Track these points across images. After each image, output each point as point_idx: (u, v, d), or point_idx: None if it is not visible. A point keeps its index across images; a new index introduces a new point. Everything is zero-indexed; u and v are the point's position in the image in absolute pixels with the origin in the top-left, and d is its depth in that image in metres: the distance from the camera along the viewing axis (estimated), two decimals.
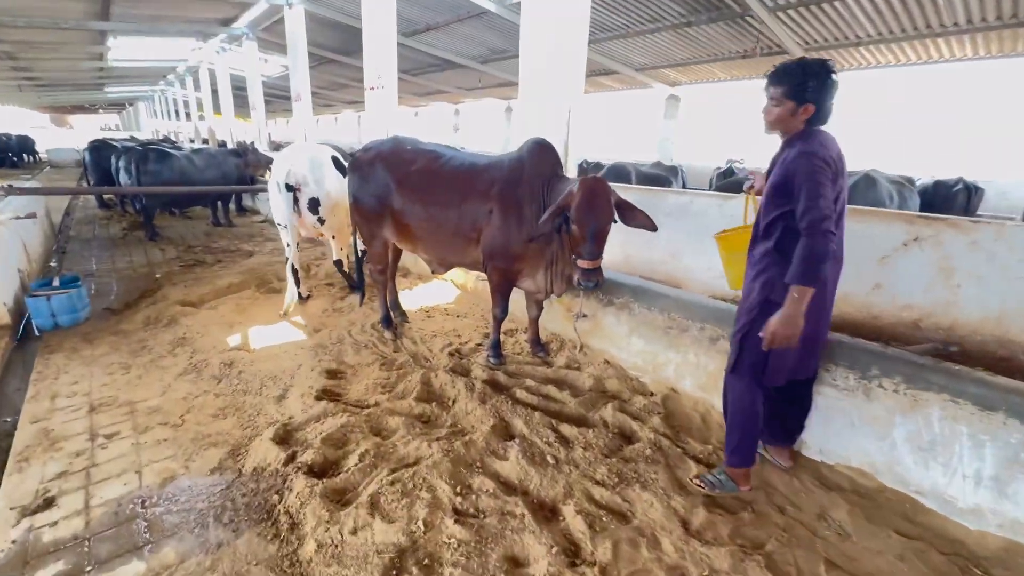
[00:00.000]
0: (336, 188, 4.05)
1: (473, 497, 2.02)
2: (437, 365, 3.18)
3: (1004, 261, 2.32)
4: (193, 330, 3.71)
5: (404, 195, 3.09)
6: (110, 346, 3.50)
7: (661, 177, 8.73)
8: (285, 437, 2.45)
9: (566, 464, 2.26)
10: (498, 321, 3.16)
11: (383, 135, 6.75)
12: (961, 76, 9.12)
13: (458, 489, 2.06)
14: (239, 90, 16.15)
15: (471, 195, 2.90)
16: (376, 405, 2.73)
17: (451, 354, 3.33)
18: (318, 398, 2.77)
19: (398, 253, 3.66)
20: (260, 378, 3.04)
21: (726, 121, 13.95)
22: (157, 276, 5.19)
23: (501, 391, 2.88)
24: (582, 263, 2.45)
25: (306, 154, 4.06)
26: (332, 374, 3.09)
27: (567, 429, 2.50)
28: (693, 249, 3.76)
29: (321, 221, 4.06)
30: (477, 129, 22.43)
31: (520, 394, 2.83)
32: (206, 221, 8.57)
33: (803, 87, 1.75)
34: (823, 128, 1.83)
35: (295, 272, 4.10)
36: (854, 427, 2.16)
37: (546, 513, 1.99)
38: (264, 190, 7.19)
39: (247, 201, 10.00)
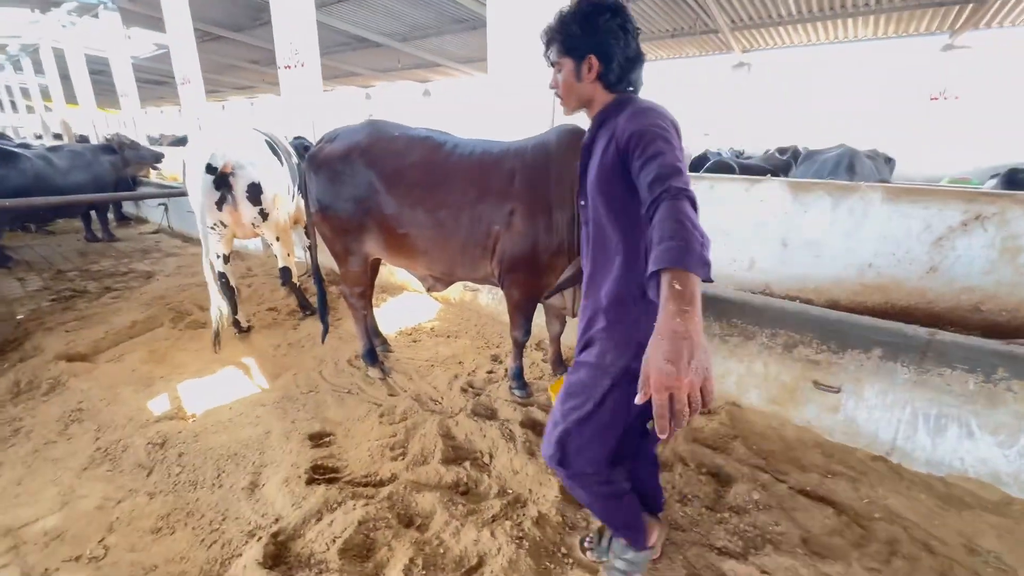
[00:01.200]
0: (276, 178, 3.22)
1: None
2: (452, 408, 2.55)
3: None
4: (92, 396, 2.69)
5: (397, 197, 2.36)
6: None
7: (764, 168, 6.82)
8: (280, 554, 1.71)
9: (671, 529, 1.79)
10: (520, 346, 2.59)
11: (304, 123, 5.73)
12: (864, 55, 9.90)
13: None
14: (99, 75, 13.42)
15: (487, 193, 2.26)
16: (394, 479, 2.05)
17: (463, 390, 2.71)
18: (311, 481, 2.03)
19: (376, 271, 2.90)
20: (213, 460, 2.21)
21: (660, 101, 14.19)
22: (19, 318, 3.88)
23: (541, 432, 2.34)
24: None
25: (237, 132, 3.16)
26: (317, 439, 2.33)
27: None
28: (715, 241, 3.41)
29: (264, 215, 3.18)
30: (391, 116, 20.98)
31: None
32: (77, 237, 6.88)
33: (571, 35, 1.29)
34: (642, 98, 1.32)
35: (228, 286, 3.21)
36: (973, 436, 1.93)
37: None
38: (155, 195, 5.84)
39: (129, 208, 8.26)
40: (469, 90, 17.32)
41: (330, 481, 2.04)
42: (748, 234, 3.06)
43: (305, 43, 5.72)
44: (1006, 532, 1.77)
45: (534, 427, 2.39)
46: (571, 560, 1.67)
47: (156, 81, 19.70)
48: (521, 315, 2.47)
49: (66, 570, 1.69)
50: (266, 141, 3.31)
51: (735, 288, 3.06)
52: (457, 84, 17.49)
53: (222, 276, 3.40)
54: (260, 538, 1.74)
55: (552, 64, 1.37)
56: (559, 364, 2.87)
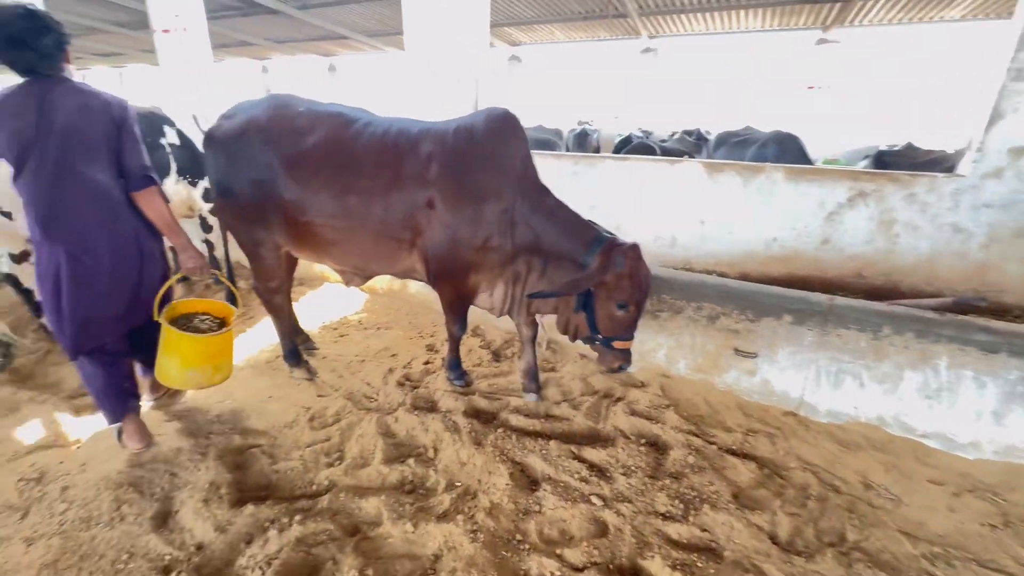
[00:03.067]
0: None
1: None
2: (389, 404, 2.43)
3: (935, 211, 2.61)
4: None
5: (299, 181, 2.11)
6: None
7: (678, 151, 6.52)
8: None
9: (617, 502, 1.85)
10: (456, 340, 2.48)
11: (191, 97, 5.04)
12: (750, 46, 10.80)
13: None
14: None
15: (400, 179, 2.06)
16: (332, 487, 1.91)
17: (400, 384, 2.59)
18: (237, 501, 1.82)
19: (294, 262, 2.64)
20: (110, 490, 1.89)
21: (567, 84, 14.40)
22: None
23: (490, 422, 2.31)
24: (620, 344, 2.02)
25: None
26: (236, 455, 2.10)
27: (592, 454, 2.09)
28: (634, 218, 3.54)
29: (6, 215, 2.58)
30: (294, 92, 19.30)
31: (516, 420, 2.30)
32: None
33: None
34: None
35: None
36: (864, 387, 2.20)
37: None
38: None
39: None
40: (379, 66, 16.40)
41: (259, 499, 1.84)
42: (670, 213, 3.22)
43: (187, 3, 5.00)
44: (891, 466, 2.06)
45: (478, 416, 2.35)
46: (527, 545, 1.67)
47: None
48: (454, 313, 2.35)
49: None
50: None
51: (659, 265, 3.22)
52: (366, 60, 16.46)
53: (8, 277, 2.85)
54: (180, 572, 1.54)
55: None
56: (532, 378, 2.46)
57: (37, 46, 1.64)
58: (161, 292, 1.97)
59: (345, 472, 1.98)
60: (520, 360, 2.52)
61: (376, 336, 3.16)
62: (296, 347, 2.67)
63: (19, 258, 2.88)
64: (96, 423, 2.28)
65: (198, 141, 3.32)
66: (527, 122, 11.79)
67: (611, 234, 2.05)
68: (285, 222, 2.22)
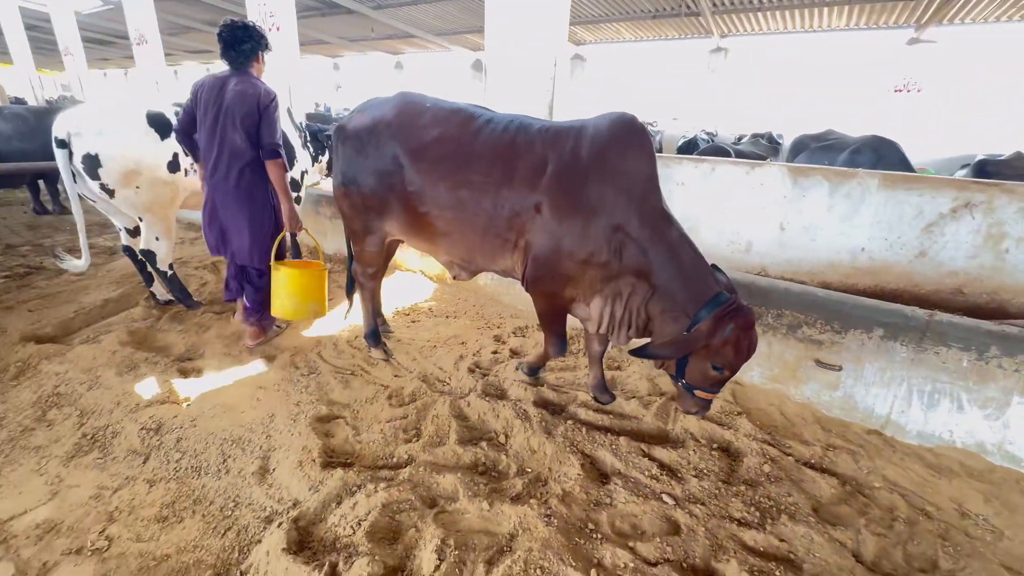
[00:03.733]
0: (131, 153, 2.89)
1: None
2: (461, 389, 2.52)
3: None
4: (70, 380, 2.51)
5: (420, 173, 2.18)
6: None
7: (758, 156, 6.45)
8: (304, 539, 1.66)
9: (690, 503, 1.84)
10: (547, 359, 2.47)
11: (279, 91, 5.38)
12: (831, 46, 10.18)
13: (593, 574, 1.53)
14: (36, 30, 12.24)
15: (511, 177, 2.02)
16: (411, 461, 2.02)
17: (471, 370, 2.69)
18: (326, 464, 1.97)
19: (392, 252, 2.80)
20: (216, 445, 2.10)
21: (632, 83, 14.17)
22: None
23: (559, 413, 2.35)
24: (702, 394, 1.90)
25: (104, 101, 3.05)
26: (324, 423, 2.26)
27: (662, 453, 2.09)
28: (708, 220, 3.45)
29: (108, 191, 2.88)
30: (360, 89, 20.14)
31: (584, 414, 2.33)
32: (23, 209, 6.34)
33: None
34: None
35: (135, 258, 3.27)
36: (963, 410, 2.06)
37: None
38: None
39: None
40: (442, 64, 16.81)
41: (346, 464, 1.98)
42: (747, 217, 3.12)
43: (280, 4, 5.37)
44: (992, 496, 1.92)
45: (546, 406, 2.40)
46: (600, 535, 1.70)
47: (100, 40, 18.11)
48: (547, 328, 2.27)
49: (67, 563, 1.59)
50: (150, 114, 2.99)
51: (732, 270, 3.13)
52: (431, 57, 16.93)
53: (125, 248, 3.27)
54: (280, 524, 1.68)
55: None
56: (602, 390, 2.41)
57: (240, 49, 2.45)
58: (276, 243, 2.64)
59: (423, 448, 2.09)
60: (588, 375, 2.48)
61: (445, 324, 3.28)
62: (377, 328, 2.83)
63: (133, 232, 3.22)
64: (200, 384, 2.53)
65: (290, 131, 3.56)
66: None
67: (731, 292, 1.88)
68: (404, 212, 2.30)
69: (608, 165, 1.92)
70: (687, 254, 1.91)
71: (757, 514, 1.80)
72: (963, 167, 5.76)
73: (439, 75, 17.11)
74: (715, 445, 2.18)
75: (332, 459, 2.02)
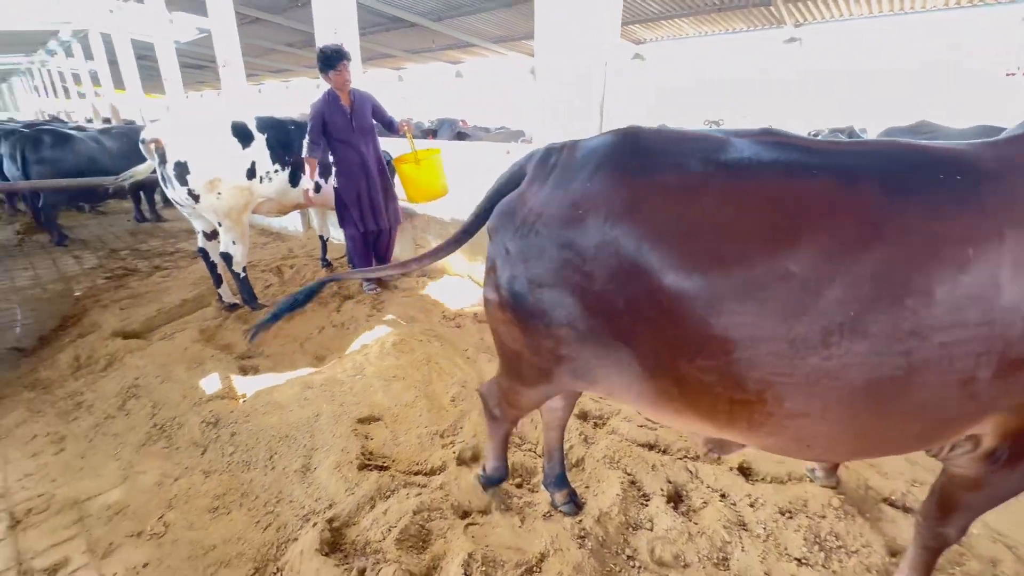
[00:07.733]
0: (216, 160, 3.15)
1: None
2: None
3: None
4: (147, 373, 2.74)
5: (710, 287, 0.99)
6: (27, 408, 2.49)
7: None
8: (337, 541, 1.68)
9: (737, 527, 1.67)
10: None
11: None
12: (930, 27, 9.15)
13: None
14: (144, 59, 13.80)
15: (961, 265, 0.87)
16: (445, 468, 2.00)
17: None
18: (363, 467, 2.00)
19: (571, 403, 1.75)
20: (265, 441, 2.20)
21: (695, 80, 13.59)
22: (77, 295, 4.02)
23: (600, 426, 2.24)
24: None
25: (193, 113, 3.41)
26: (365, 425, 2.30)
27: (713, 477, 1.92)
28: None
29: (194, 197, 3.10)
30: (423, 99, 20.89)
31: (627, 428, 2.20)
32: (126, 217, 7.12)
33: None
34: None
35: (208, 261, 3.55)
36: None
37: None
38: None
39: None
40: (500, 69, 17.04)
41: (382, 468, 2.00)
42: None
43: (345, 24, 5.66)
44: None
45: (585, 418, 2.30)
46: (637, 564, 1.58)
47: (196, 65, 20.19)
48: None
49: (129, 545, 1.71)
50: (235, 124, 3.24)
51: None
52: (488, 64, 17.22)
53: (200, 250, 3.48)
54: (315, 523, 1.72)
55: None
56: None
57: (334, 67, 3.27)
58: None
59: (457, 455, 2.06)
60: None
61: (488, 331, 3.25)
62: (505, 474, 1.86)
63: (210, 236, 3.48)
64: (256, 382, 2.67)
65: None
66: (652, 122, 11.37)
67: None
68: (656, 358, 1.11)
69: None
70: None
71: (821, 554, 1.60)
72: None
73: (495, 81, 17.36)
74: (775, 471, 1.97)
75: (369, 462, 2.04)
